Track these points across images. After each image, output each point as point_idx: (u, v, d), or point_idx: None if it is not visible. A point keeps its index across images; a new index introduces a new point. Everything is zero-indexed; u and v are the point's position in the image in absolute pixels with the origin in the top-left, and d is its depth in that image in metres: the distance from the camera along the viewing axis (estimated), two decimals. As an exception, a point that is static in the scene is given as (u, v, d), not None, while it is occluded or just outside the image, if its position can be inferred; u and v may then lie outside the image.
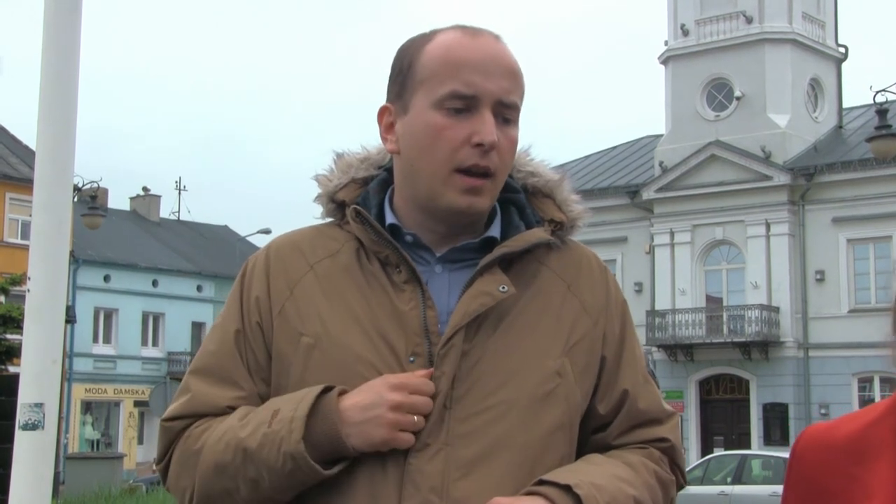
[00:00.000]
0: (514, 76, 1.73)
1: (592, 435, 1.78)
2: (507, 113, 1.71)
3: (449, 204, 1.70)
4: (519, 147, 1.84)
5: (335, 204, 1.81)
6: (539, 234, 1.76)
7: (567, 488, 1.58)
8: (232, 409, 1.72)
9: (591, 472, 1.64)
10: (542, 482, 1.61)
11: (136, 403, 43.45)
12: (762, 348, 32.70)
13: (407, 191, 1.76)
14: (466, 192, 1.69)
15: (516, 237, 1.75)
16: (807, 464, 1.52)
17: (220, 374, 1.74)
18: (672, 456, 1.78)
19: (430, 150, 1.70)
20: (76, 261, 39.00)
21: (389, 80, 1.78)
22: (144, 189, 52.15)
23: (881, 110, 19.35)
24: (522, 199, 1.81)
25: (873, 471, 1.43)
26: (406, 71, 1.74)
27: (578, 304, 1.76)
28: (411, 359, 1.67)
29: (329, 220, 1.84)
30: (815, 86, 35.48)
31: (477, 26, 1.77)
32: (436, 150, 1.69)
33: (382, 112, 1.79)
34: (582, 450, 1.76)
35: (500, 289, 1.69)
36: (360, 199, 1.79)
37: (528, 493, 1.60)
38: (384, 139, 1.79)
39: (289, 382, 1.70)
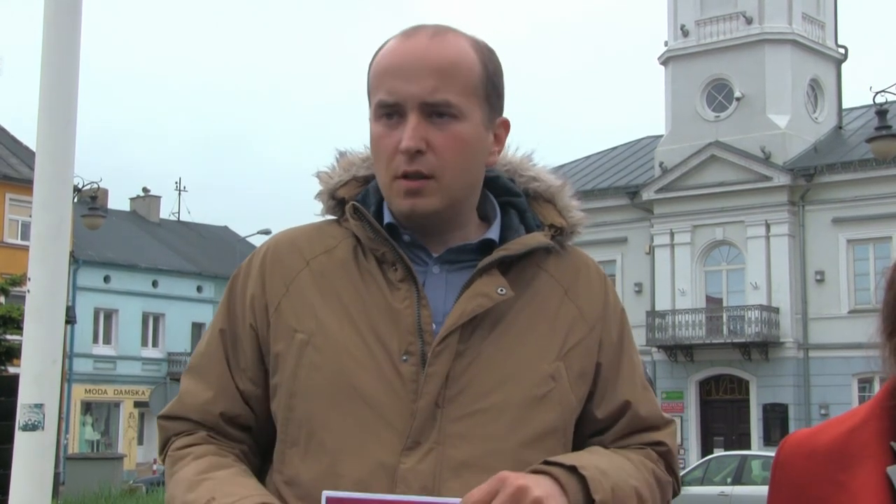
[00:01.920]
0: (441, 73, 1.68)
1: (589, 438, 1.78)
2: (440, 111, 1.68)
3: (396, 208, 1.72)
4: (521, 152, 1.85)
5: (335, 201, 1.81)
6: (539, 238, 1.76)
7: (573, 469, 1.59)
8: (222, 414, 1.74)
9: (595, 459, 1.65)
10: (548, 463, 1.60)
11: (137, 404, 43.45)
12: (762, 349, 32.70)
13: None
14: (407, 196, 1.69)
15: (516, 240, 1.75)
16: (791, 471, 1.51)
17: (206, 374, 1.77)
18: (668, 460, 1.78)
19: (376, 160, 1.73)
20: (76, 261, 38.97)
21: None
22: (144, 190, 52.19)
23: (881, 111, 19.32)
24: (523, 202, 1.81)
25: (858, 477, 1.43)
26: (367, 84, 1.77)
27: (575, 309, 1.76)
28: (404, 357, 1.66)
29: (329, 217, 1.84)
30: (814, 86, 35.48)
31: (420, 25, 1.74)
32: (378, 160, 1.72)
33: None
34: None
35: (499, 291, 1.69)
36: (360, 196, 1.79)
37: (534, 471, 1.59)
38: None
39: (283, 378, 1.70)
